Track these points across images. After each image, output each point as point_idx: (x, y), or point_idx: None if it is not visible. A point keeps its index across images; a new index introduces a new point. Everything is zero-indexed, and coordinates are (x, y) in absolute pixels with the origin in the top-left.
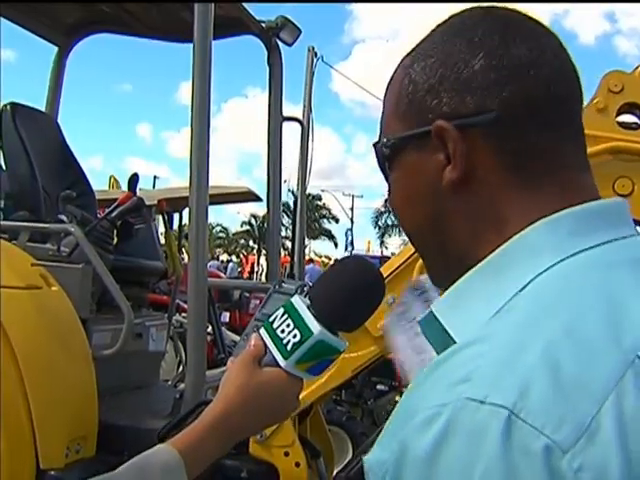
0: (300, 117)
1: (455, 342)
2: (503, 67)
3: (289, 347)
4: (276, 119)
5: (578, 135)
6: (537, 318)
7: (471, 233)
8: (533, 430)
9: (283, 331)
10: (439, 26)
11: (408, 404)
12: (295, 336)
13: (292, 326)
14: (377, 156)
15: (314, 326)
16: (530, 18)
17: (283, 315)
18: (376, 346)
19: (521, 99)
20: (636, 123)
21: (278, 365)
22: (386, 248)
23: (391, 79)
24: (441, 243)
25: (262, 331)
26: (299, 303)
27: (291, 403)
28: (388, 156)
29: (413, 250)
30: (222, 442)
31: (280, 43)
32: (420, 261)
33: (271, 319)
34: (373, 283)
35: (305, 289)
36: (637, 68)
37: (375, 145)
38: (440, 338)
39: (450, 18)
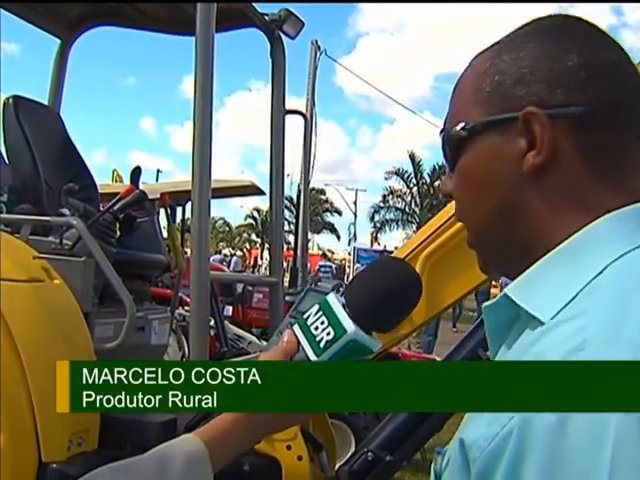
0: (303, 110)
1: (539, 320)
2: (594, 67)
3: (322, 344)
4: (278, 112)
5: None
6: (628, 295)
7: (546, 219)
8: None
9: (317, 328)
10: (523, 27)
11: None
12: (329, 334)
13: (326, 323)
14: (447, 141)
15: (348, 325)
16: (608, 34)
17: (318, 312)
18: (379, 341)
19: (607, 98)
20: None
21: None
22: (379, 244)
23: (465, 72)
24: (508, 230)
25: (296, 327)
26: (334, 301)
27: None
28: (463, 139)
29: (416, 244)
30: (247, 436)
31: (283, 36)
32: (424, 253)
33: (305, 316)
34: (411, 285)
35: (341, 289)
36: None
37: (446, 130)
38: (512, 319)
39: (536, 21)
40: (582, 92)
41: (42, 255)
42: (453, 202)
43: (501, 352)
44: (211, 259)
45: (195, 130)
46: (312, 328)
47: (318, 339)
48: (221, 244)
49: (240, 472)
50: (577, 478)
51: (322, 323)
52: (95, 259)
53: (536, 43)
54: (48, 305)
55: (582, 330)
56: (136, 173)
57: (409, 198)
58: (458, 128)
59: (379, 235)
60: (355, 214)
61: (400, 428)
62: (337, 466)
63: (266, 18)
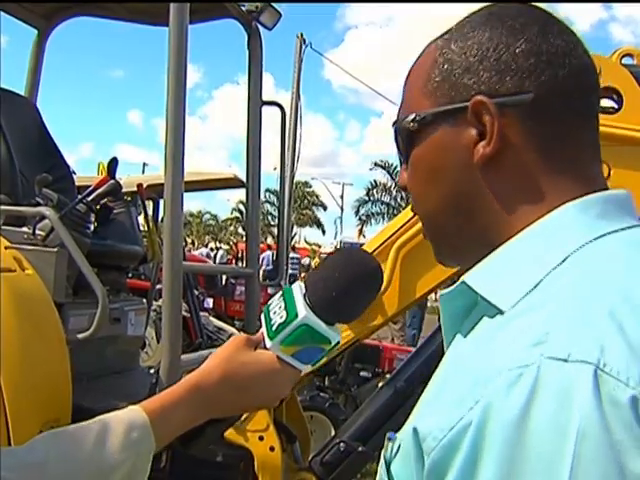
0: (289, 104)
1: (498, 309)
2: (542, 53)
3: (274, 327)
4: (255, 103)
5: (596, 126)
6: (593, 286)
7: (498, 210)
8: (619, 383)
9: (275, 313)
10: (474, 14)
11: (472, 367)
12: (281, 317)
13: (282, 308)
14: (398, 133)
15: (300, 309)
16: (561, 20)
17: (279, 298)
18: (350, 331)
19: (556, 85)
20: (613, 107)
21: (266, 346)
22: (364, 237)
23: (417, 60)
24: (462, 221)
25: (262, 314)
26: (296, 288)
27: (280, 389)
28: (414, 131)
29: (388, 235)
30: (194, 411)
31: (261, 27)
32: (395, 244)
33: (270, 301)
34: (370, 275)
35: None
36: (614, 52)
37: (397, 122)
38: (468, 308)
39: (485, 8)
40: (531, 79)
41: (14, 245)
42: None
43: (456, 341)
44: (197, 252)
45: (167, 122)
46: (271, 313)
47: (272, 322)
48: (207, 237)
49: (213, 463)
50: (537, 474)
51: (279, 308)
52: (68, 250)
53: (484, 31)
54: (19, 295)
55: (544, 322)
56: (113, 164)
57: (395, 191)
58: (409, 120)
59: (364, 228)
60: (342, 208)
61: (373, 419)
62: (310, 457)
63: (243, 9)
